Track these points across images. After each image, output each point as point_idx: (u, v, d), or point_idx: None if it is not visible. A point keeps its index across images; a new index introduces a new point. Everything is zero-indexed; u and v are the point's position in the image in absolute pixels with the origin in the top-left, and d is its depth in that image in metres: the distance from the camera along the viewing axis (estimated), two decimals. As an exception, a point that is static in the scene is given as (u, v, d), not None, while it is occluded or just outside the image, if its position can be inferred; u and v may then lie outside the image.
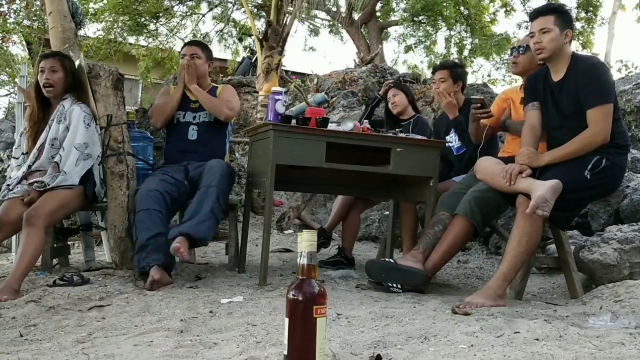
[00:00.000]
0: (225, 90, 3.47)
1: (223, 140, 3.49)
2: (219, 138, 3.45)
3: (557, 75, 2.65)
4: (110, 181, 3.14)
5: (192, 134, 3.37)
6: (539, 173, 2.57)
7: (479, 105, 2.97)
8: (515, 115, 3.10)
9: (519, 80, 3.17)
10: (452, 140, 3.53)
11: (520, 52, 3.00)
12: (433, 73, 3.60)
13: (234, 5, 12.68)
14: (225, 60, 12.88)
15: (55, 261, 3.43)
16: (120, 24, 12.25)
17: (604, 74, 2.58)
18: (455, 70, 3.51)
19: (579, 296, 2.64)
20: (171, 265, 2.88)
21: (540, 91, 2.71)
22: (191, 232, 2.76)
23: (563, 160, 2.55)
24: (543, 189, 2.37)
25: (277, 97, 3.01)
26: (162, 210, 2.91)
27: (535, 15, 2.67)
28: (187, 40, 13.44)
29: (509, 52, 3.19)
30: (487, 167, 2.68)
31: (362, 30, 14.22)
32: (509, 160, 2.72)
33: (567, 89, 2.59)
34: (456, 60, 10.89)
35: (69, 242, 3.77)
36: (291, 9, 6.47)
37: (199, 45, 3.54)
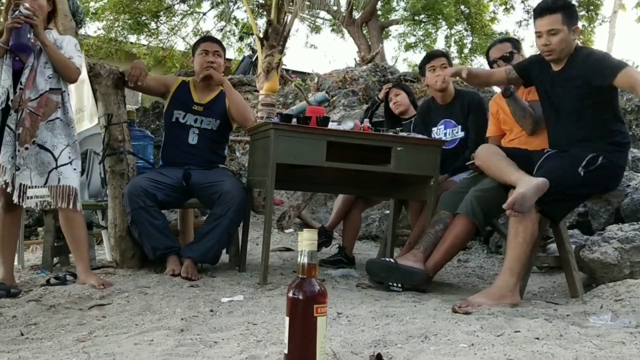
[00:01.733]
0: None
1: (224, 147, 3.44)
2: (220, 146, 3.39)
3: (558, 66, 2.64)
4: (110, 180, 3.15)
5: (193, 137, 3.26)
6: (536, 169, 2.56)
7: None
8: (506, 119, 3.08)
9: None
10: (441, 134, 3.50)
11: (509, 60, 3.02)
12: (430, 59, 3.49)
13: (235, 4, 12.67)
14: (229, 60, 12.88)
15: (55, 260, 3.44)
16: (120, 23, 12.26)
17: (608, 54, 2.59)
18: (450, 59, 3.57)
19: (580, 295, 2.63)
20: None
21: (536, 77, 2.73)
22: (197, 259, 3.00)
23: (560, 152, 2.57)
24: (526, 186, 2.37)
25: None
26: (152, 205, 3.02)
27: (540, 12, 2.59)
28: (187, 38, 13.47)
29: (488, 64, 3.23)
30: (484, 154, 2.68)
31: (362, 29, 14.22)
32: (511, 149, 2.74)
33: (568, 77, 2.58)
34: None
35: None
36: (292, 8, 6.46)
37: (218, 42, 3.43)
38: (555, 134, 2.64)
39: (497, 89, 7.51)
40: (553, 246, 3.17)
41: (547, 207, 2.44)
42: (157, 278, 2.83)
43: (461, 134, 3.42)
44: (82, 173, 3.94)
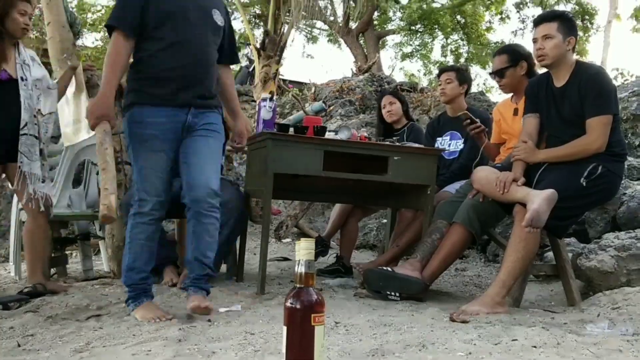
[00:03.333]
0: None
1: (220, 156, 3.45)
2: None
3: (559, 81, 2.66)
4: (108, 190, 3.14)
5: None
6: (535, 181, 2.58)
7: (468, 120, 3.00)
8: (507, 128, 3.12)
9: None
10: (445, 144, 3.54)
11: (498, 77, 3.05)
12: (439, 75, 3.65)
13: (232, 15, 12.72)
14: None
15: (53, 271, 3.43)
16: (118, 34, 12.27)
17: (607, 84, 2.60)
18: (461, 73, 3.59)
19: (577, 303, 2.64)
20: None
21: (542, 97, 2.72)
22: None
23: (558, 163, 2.57)
24: (538, 201, 2.38)
25: (261, 104, 3.03)
26: None
27: (539, 21, 2.69)
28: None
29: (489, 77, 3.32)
30: (484, 177, 2.69)
31: (359, 39, 14.28)
32: (504, 168, 2.73)
33: (569, 95, 2.61)
34: (461, 65, 10.95)
35: (66, 252, 3.77)
36: (289, 18, 6.50)
37: None
38: (562, 143, 2.64)
39: (495, 99, 7.47)
40: (550, 254, 3.18)
41: (552, 222, 2.44)
42: (154, 288, 2.83)
43: (462, 146, 3.48)
44: (79, 183, 3.98)
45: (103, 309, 2.45)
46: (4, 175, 3.03)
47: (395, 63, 20.55)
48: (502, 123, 3.15)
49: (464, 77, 3.55)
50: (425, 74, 16.10)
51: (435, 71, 14.99)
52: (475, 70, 16.14)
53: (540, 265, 3.07)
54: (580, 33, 14.15)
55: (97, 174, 3.30)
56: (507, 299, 2.50)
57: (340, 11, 13.69)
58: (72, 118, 3.58)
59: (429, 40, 15.54)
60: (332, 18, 13.69)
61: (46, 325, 2.21)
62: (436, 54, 16.06)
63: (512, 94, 3.16)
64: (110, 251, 3.16)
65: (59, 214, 3.38)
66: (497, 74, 3.07)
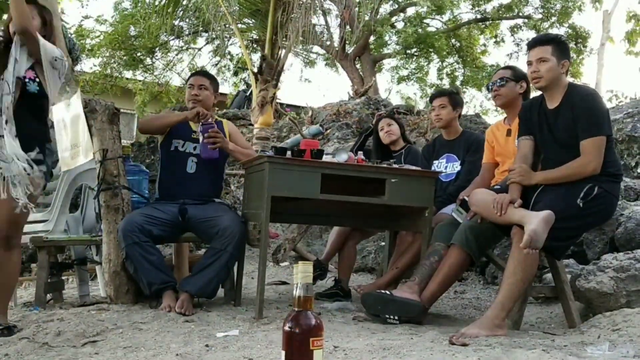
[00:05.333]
0: (236, 134, 3.48)
1: (221, 175, 3.47)
2: (218, 173, 3.42)
3: (552, 104, 2.69)
4: (105, 215, 3.14)
5: (191, 166, 3.28)
6: (532, 203, 2.58)
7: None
8: (500, 150, 3.16)
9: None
10: (442, 167, 3.56)
11: (498, 85, 3.09)
12: (431, 100, 3.68)
13: (229, 40, 12.86)
14: (225, 95, 12.98)
15: (49, 296, 3.40)
16: (116, 59, 12.39)
17: (600, 105, 2.63)
18: (454, 97, 3.62)
19: (577, 325, 2.63)
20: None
21: (535, 120, 2.74)
22: (195, 293, 2.98)
23: (554, 184, 2.59)
24: (536, 222, 2.38)
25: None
26: (146, 241, 3.00)
27: (533, 44, 2.72)
28: (182, 73, 13.61)
29: (485, 88, 3.34)
30: (481, 199, 2.70)
31: (355, 63, 14.41)
32: (501, 190, 2.73)
33: (562, 117, 2.63)
34: (452, 89, 11.04)
35: (63, 277, 3.74)
36: (286, 43, 6.57)
37: (207, 76, 3.48)
38: (557, 164, 2.66)
39: (491, 121, 7.53)
40: (549, 276, 3.17)
41: (550, 243, 2.44)
42: (151, 313, 2.81)
43: (459, 168, 3.51)
44: (76, 208, 3.97)
45: (99, 334, 2.42)
46: None
47: (392, 86, 20.73)
48: (495, 144, 3.19)
49: (456, 101, 3.59)
50: (421, 97, 16.20)
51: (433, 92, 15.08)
52: (471, 92, 16.27)
53: (539, 287, 3.07)
54: (574, 55, 14.29)
55: (94, 198, 3.29)
56: (507, 321, 2.49)
57: (337, 36, 13.82)
58: (69, 143, 3.59)
59: (425, 64, 15.68)
60: (329, 42, 13.83)
61: (42, 352, 2.19)
62: (432, 77, 16.18)
63: (504, 112, 3.22)
64: (107, 276, 3.14)
65: (56, 239, 3.36)
66: (499, 81, 3.11)
